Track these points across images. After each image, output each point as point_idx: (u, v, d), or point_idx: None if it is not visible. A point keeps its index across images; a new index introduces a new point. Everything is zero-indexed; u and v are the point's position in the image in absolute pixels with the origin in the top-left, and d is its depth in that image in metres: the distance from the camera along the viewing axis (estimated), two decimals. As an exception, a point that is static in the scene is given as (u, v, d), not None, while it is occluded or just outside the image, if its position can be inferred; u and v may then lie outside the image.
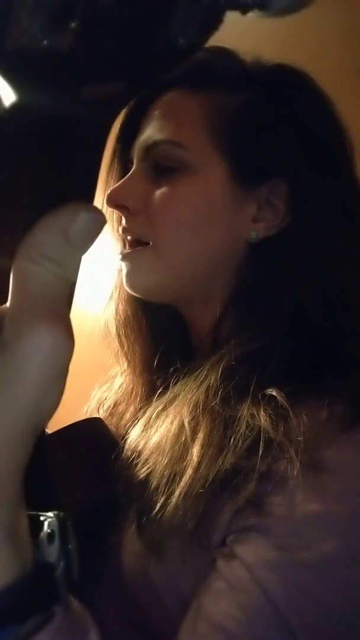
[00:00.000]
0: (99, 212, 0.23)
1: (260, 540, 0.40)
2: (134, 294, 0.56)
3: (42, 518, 0.31)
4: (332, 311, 0.49)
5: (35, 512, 0.30)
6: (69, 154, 0.22)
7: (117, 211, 0.56)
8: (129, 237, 0.55)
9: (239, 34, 0.55)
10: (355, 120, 0.54)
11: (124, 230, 0.55)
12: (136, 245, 0.54)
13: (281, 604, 0.38)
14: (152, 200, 0.52)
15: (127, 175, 0.55)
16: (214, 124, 0.51)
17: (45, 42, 0.17)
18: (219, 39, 0.51)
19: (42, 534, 0.30)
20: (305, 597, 0.38)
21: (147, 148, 0.53)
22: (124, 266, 0.56)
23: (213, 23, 0.19)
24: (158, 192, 0.52)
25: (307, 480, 0.40)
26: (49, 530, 0.30)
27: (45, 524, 0.31)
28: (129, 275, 0.55)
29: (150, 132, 0.54)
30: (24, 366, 0.23)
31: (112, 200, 0.54)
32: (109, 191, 0.55)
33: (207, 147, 0.51)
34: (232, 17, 0.19)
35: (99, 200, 0.59)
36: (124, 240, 0.56)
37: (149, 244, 0.53)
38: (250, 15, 0.18)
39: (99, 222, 0.24)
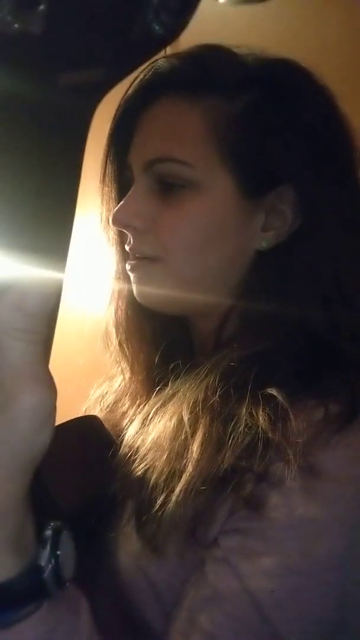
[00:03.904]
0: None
1: (252, 544, 0.40)
2: (145, 306, 0.55)
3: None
4: (334, 314, 0.49)
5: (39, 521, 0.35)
6: (49, 143, 0.22)
7: (124, 231, 0.53)
8: (137, 255, 0.53)
9: (238, 33, 0.56)
10: (355, 121, 0.53)
11: (132, 248, 0.53)
12: (143, 259, 0.53)
13: (271, 611, 0.38)
14: (160, 220, 0.51)
15: (130, 192, 0.52)
16: (218, 136, 0.49)
17: (16, 25, 0.17)
18: (218, 38, 0.51)
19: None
20: (295, 603, 0.39)
21: (148, 163, 0.51)
22: (133, 277, 0.54)
23: (187, 10, 0.19)
24: (166, 212, 0.51)
25: (302, 484, 0.40)
26: (44, 537, 0.35)
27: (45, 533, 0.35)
28: (140, 288, 0.54)
29: (151, 146, 0.51)
30: (17, 423, 0.29)
31: (119, 222, 0.52)
32: (114, 211, 0.52)
33: (213, 162, 0.49)
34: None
35: (93, 205, 0.57)
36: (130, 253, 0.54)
37: (158, 259, 0.52)
38: (223, 1, 0.18)
39: (55, 282, 0.27)
